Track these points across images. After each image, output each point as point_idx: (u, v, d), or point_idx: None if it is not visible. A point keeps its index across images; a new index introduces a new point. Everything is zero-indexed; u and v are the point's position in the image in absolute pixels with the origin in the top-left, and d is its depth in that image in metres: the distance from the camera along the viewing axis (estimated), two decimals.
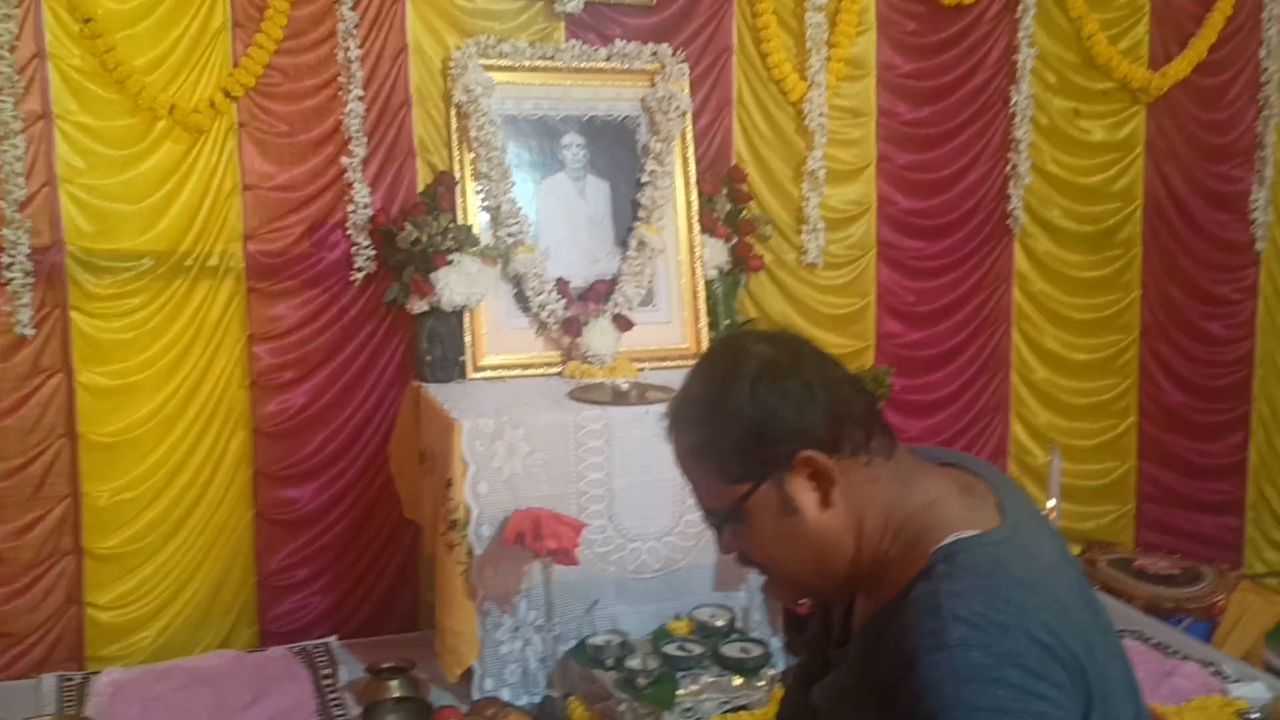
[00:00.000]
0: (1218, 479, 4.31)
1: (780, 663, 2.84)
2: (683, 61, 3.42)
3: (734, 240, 3.48)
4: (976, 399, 3.95)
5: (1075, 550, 3.94)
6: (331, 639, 3.16)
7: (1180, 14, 4.04)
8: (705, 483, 1.30)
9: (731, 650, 2.78)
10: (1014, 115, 3.84)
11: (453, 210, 3.14)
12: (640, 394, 3.02)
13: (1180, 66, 4.00)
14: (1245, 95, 4.15)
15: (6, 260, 2.91)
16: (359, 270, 3.18)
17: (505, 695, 2.80)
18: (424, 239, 3.00)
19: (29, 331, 2.96)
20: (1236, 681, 2.95)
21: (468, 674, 2.81)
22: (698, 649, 2.78)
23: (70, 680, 2.94)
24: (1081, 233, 4.03)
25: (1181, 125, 4.09)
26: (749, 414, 1.27)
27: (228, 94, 3.08)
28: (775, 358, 1.31)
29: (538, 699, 2.81)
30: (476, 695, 2.79)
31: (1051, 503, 3.46)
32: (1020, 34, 3.80)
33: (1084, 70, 3.95)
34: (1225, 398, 4.28)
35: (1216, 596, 3.76)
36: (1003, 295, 3.96)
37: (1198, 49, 4.01)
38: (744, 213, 3.54)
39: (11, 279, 2.91)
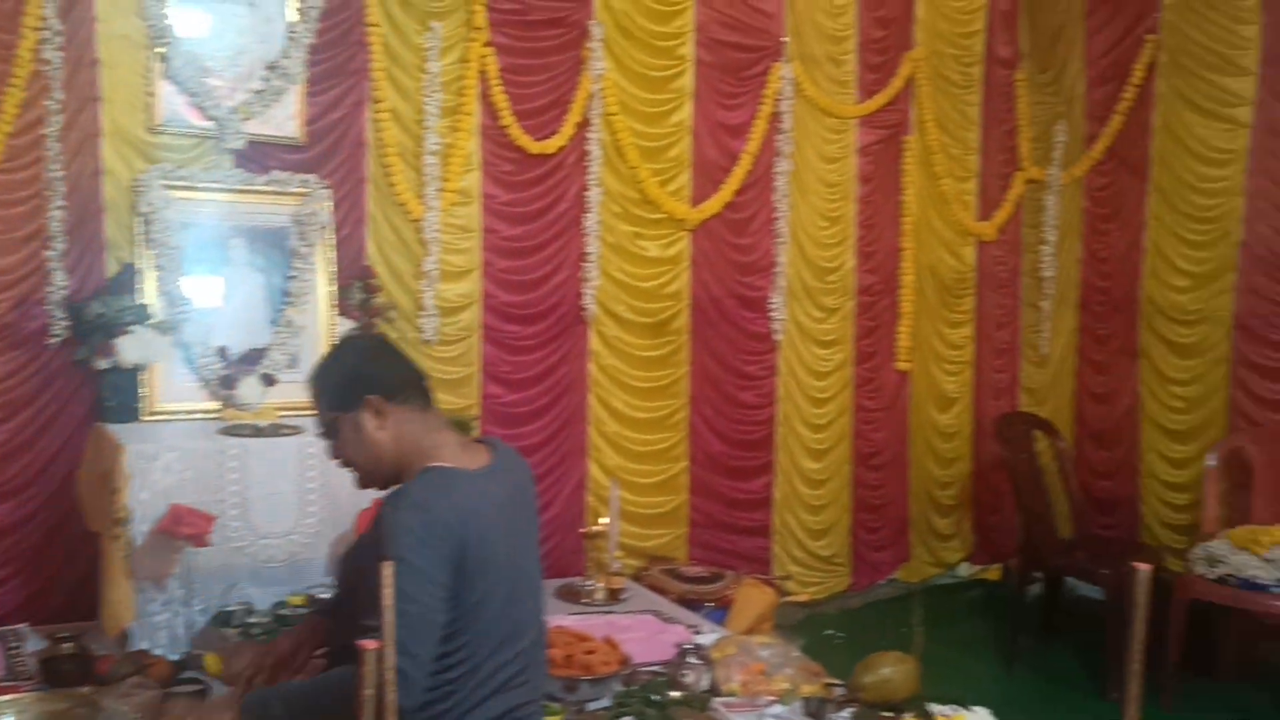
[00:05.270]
0: (751, 510, 5.61)
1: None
2: (326, 187, 4.41)
3: (365, 321, 4.56)
4: (561, 445, 5.08)
5: (638, 563, 5.17)
6: (22, 626, 3.93)
7: (713, 168, 5.36)
8: (319, 411, 2.49)
9: None
10: (586, 235, 5.07)
11: (134, 293, 4.09)
12: (274, 430, 4.03)
13: (713, 205, 5.37)
14: (764, 227, 5.53)
15: None
16: (55, 336, 4.07)
17: (157, 652, 3.70)
18: (106, 314, 3.96)
19: None
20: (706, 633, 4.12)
21: (125, 637, 3.68)
22: (306, 612, 3.80)
23: None
24: (642, 323, 5.24)
25: (717, 246, 5.43)
26: (341, 371, 2.49)
27: None
28: (369, 345, 2.69)
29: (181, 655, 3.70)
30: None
31: (605, 519, 4.68)
32: (590, 177, 5.03)
33: (641, 204, 5.20)
34: (755, 448, 5.61)
35: (728, 590, 5.06)
36: (580, 367, 5.12)
37: (724, 194, 5.37)
38: (374, 300, 4.63)
39: None
